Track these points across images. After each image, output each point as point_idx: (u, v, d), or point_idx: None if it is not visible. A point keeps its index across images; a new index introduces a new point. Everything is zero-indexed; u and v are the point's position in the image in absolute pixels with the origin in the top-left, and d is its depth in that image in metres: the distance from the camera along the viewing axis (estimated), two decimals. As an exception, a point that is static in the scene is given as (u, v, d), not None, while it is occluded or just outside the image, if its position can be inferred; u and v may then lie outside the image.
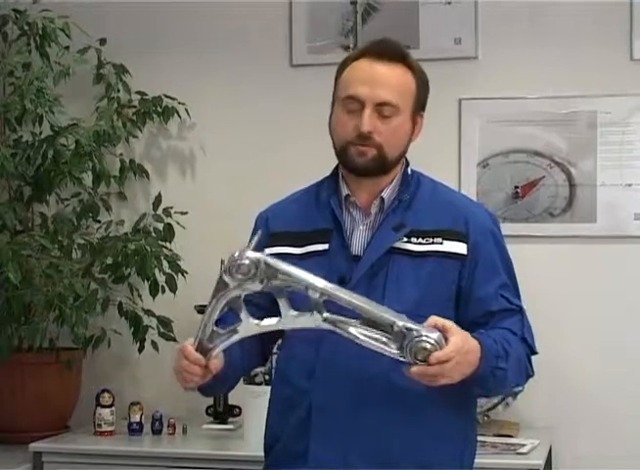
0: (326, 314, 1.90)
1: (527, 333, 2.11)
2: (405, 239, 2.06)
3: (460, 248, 2.08)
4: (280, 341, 2.21)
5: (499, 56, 3.50)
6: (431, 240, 2.07)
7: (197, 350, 1.96)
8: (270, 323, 1.95)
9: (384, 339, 1.87)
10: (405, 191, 2.12)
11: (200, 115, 3.69)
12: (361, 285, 2.02)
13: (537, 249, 3.46)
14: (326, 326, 1.90)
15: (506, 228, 3.44)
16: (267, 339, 2.16)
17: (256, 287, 1.91)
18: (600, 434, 3.37)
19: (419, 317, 1.91)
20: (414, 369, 1.86)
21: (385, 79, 2.07)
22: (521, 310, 2.12)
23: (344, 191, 2.13)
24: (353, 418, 2.02)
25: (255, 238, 1.95)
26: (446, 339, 1.87)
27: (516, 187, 3.48)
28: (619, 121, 3.40)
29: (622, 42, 3.40)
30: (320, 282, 1.90)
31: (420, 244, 2.06)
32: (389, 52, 2.09)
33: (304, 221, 2.14)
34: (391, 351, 1.87)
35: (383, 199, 2.11)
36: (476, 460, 2.94)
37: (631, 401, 3.37)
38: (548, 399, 3.40)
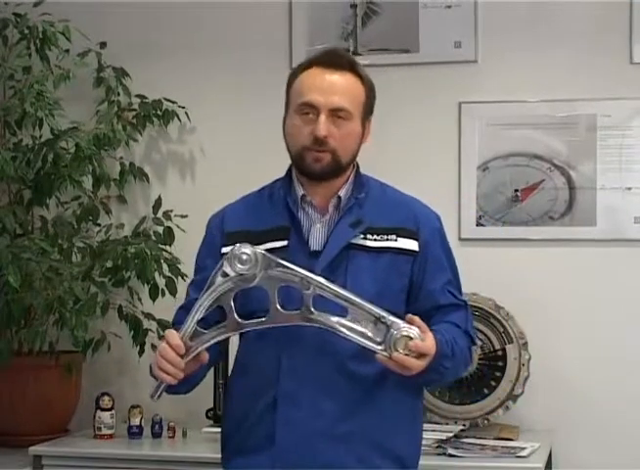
0: (314, 310, 2.03)
1: (470, 327, 2.27)
2: (362, 236, 2.18)
3: (412, 245, 2.21)
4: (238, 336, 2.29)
5: (499, 60, 3.50)
6: (385, 237, 2.19)
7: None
8: (259, 320, 2.06)
9: (368, 333, 2.03)
10: (360, 190, 2.23)
11: (200, 118, 3.69)
12: None
13: (537, 252, 3.46)
14: (314, 323, 2.04)
15: (506, 232, 3.50)
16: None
17: (251, 281, 2.03)
18: (600, 437, 3.38)
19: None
20: (395, 355, 2.00)
21: (337, 86, 2.17)
22: (465, 305, 2.28)
23: (300, 191, 2.24)
24: (316, 404, 2.13)
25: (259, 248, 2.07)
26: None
27: (515, 190, 3.48)
28: (619, 125, 3.41)
29: (622, 46, 3.41)
30: (314, 275, 2.04)
31: (376, 240, 2.18)
32: (339, 61, 2.20)
33: (260, 220, 2.23)
34: (373, 345, 2.02)
35: (339, 197, 2.22)
36: (476, 463, 2.97)
37: (631, 405, 3.37)
38: (548, 402, 3.40)
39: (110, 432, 3.34)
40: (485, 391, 3.28)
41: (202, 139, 3.72)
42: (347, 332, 2.02)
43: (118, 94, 3.64)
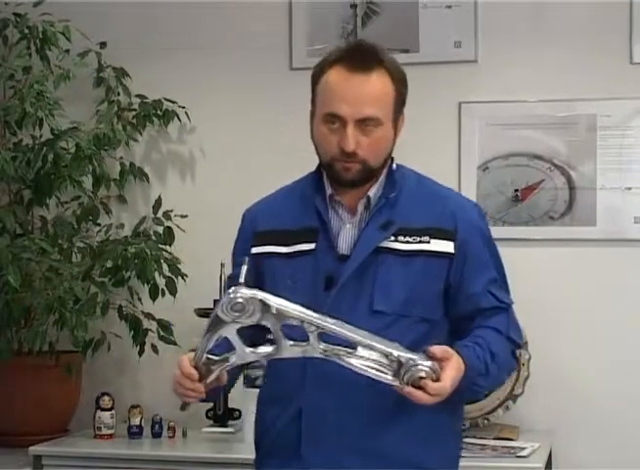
0: (322, 345, 1.94)
1: (512, 330, 2.13)
2: (392, 237, 2.07)
3: (448, 246, 2.08)
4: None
5: (499, 59, 3.50)
6: (418, 239, 2.07)
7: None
8: (266, 351, 1.98)
9: (379, 367, 1.93)
10: (391, 188, 2.11)
11: (200, 118, 3.69)
12: (349, 285, 2.05)
13: (537, 252, 3.46)
14: (323, 356, 1.95)
15: (506, 231, 3.49)
16: (259, 336, 2.18)
17: (251, 322, 1.94)
18: (600, 437, 3.37)
19: (407, 317, 2.02)
20: (407, 389, 1.90)
21: (365, 94, 2.04)
22: (508, 308, 2.14)
23: (328, 190, 2.13)
24: (343, 420, 2.04)
25: (244, 268, 1.96)
26: (442, 367, 1.92)
27: (516, 190, 3.48)
28: (619, 125, 3.40)
29: (622, 46, 3.41)
30: (315, 316, 1.93)
31: (407, 242, 2.06)
32: (366, 60, 2.06)
33: (291, 219, 2.14)
34: (387, 377, 1.92)
35: (369, 197, 2.11)
36: (476, 463, 2.97)
37: (631, 405, 3.37)
38: (548, 402, 3.40)
39: (110, 432, 3.34)
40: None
41: (202, 139, 3.72)
42: (359, 365, 1.94)
43: (118, 94, 3.64)
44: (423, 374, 1.91)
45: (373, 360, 1.93)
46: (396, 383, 1.91)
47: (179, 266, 3.46)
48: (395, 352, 1.91)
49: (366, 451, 2.04)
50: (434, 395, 1.90)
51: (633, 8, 3.39)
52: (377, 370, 1.93)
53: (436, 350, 1.93)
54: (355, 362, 1.93)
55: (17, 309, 3.31)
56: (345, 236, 2.10)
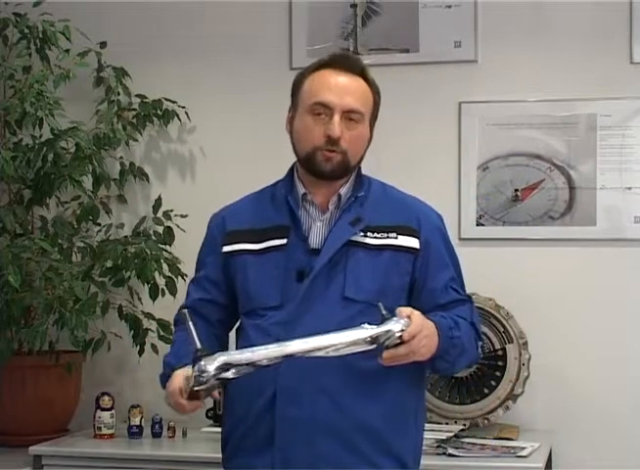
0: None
1: (476, 319, 2.26)
2: (362, 233, 2.19)
3: (413, 242, 2.21)
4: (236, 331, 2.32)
5: (499, 59, 3.50)
6: (386, 235, 2.20)
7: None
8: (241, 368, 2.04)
9: (358, 347, 2.01)
10: (360, 189, 2.24)
11: (200, 118, 3.69)
12: (320, 277, 2.16)
13: (537, 252, 3.46)
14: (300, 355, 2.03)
15: (506, 231, 3.50)
16: (228, 322, 2.34)
17: (225, 377, 2.03)
18: (599, 437, 3.37)
19: (376, 306, 2.05)
20: (385, 354, 2.00)
21: (351, 88, 2.19)
22: (470, 300, 2.28)
23: (301, 190, 2.25)
24: (316, 401, 2.12)
25: (192, 331, 2.04)
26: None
27: (516, 190, 3.48)
28: (619, 124, 3.41)
29: (622, 45, 3.41)
30: (276, 350, 2.02)
31: (376, 238, 2.19)
32: (351, 64, 2.22)
33: (261, 219, 2.25)
34: (369, 347, 2.00)
35: (340, 195, 2.23)
36: (476, 463, 2.97)
37: (631, 405, 3.37)
38: (548, 402, 3.40)
39: (110, 432, 3.35)
40: (485, 391, 3.28)
41: (201, 139, 3.72)
42: (340, 354, 2.01)
43: (118, 94, 3.64)
44: (398, 340, 1.99)
45: (349, 347, 2.00)
46: (378, 348, 1.99)
47: (179, 266, 3.46)
48: (367, 337, 1.99)
49: (339, 434, 2.12)
50: (412, 339, 2.00)
51: (633, 8, 3.39)
52: (357, 347, 2.00)
53: (404, 309, 2.04)
54: (335, 354, 2.01)
55: (17, 309, 3.31)
56: (316, 232, 2.22)
